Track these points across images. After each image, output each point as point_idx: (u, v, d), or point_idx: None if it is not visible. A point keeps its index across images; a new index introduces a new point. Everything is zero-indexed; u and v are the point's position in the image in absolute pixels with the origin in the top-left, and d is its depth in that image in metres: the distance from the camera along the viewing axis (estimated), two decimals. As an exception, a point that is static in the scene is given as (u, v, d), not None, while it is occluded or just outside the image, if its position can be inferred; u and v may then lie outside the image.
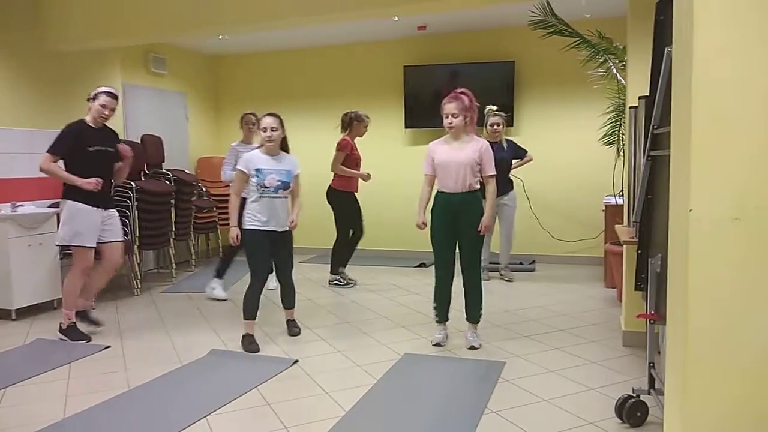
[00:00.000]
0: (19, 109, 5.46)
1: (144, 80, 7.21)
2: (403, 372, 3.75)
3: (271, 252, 4.31)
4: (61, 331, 4.50)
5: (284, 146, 4.37)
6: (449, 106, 4.02)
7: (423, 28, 7.08)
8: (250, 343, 4.20)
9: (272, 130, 4.19)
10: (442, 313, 4.28)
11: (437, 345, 4.21)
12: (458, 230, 4.12)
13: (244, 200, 4.34)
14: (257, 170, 4.18)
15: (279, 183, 4.19)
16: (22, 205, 5.23)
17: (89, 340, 4.47)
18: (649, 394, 2.92)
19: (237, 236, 4.22)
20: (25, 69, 5.50)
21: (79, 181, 4.31)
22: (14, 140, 5.39)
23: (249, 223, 4.22)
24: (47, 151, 4.37)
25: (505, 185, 5.93)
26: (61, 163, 4.41)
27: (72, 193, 4.37)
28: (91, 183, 4.31)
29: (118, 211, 4.78)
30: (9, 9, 5.37)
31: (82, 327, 4.59)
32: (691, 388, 1.88)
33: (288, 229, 4.31)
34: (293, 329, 4.54)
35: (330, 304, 5.48)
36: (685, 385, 1.88)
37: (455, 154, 4.05)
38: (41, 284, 5.20)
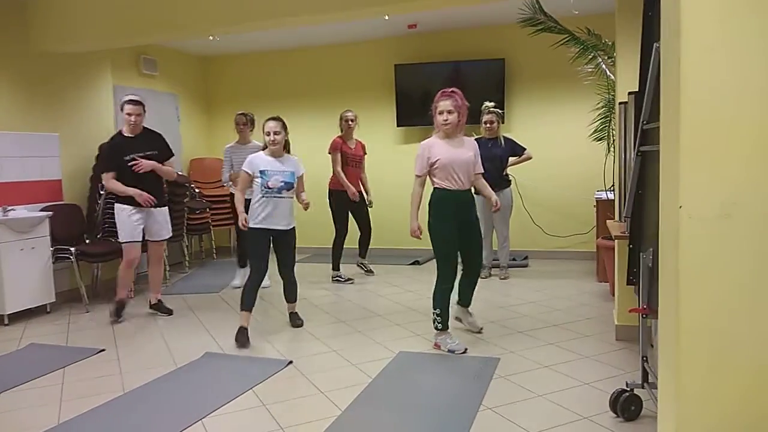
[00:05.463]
0: (9, 112, 5.41)
1: (135, 82, 7.17)
2: (398, 370, 3.76)
3: (274, 249, 4.54)
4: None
5: (286, 147, 4.59)
6: (445, 103, 3.90)
7: (413, 26, 7.08)
8: (241, 336, 4.28)
9: (275, 134, 4.40)
10: (446, 320, 4.08)
11: (465, 352, 3.96)
12: (463, 225, 4.06)
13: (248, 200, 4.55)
14: (261, 172, 4.39)
15: (282, 184, 4.40)
16: (13, 209, 5.20)
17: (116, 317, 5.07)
18: (642, 387, 2.94)
19: (245, 219, 4.40)
20: (14, 72, 5.46)
21: (134, 192, 4.84)
22: (4, 144, 5.35)
23: (251, 222, 4.41)
24: (101, 172, 5.04)
25: (499, 182, 5.91)
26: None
27: (118, 197, 4.94)
28: (143, 197, 4.85)
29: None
30: (-3, 12, 5.33)
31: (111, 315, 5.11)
32: (683, 381, 1.89)
33: (291, 227, 4.53)
34: (296, 321, 4.77)
35: (324, 303, 5.48)
36: (677, 379, 1.90)
37: (459, 152, 3.97)
38: (34, 289, 5.18)
